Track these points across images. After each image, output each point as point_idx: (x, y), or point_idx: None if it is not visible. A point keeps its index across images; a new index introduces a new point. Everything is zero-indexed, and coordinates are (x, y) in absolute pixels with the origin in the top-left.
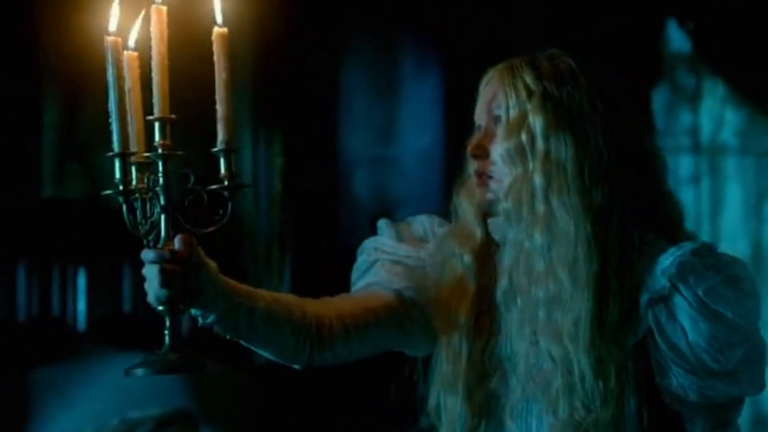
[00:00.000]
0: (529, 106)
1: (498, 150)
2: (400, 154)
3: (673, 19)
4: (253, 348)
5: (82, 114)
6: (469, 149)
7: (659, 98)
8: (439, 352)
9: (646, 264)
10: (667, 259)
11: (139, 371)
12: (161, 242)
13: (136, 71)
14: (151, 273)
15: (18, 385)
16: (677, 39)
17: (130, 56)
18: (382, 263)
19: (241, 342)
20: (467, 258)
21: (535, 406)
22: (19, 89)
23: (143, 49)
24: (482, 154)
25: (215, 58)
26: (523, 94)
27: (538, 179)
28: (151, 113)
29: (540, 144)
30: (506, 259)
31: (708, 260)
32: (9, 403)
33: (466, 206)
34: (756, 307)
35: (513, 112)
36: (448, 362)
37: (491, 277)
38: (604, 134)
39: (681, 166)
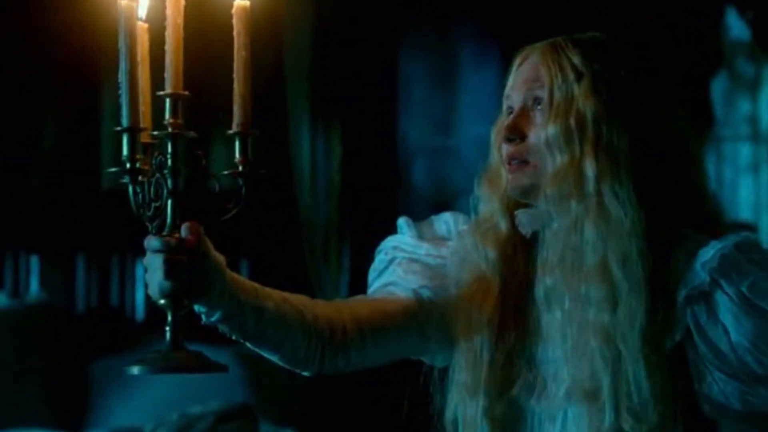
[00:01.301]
0: (577, 89)
1: (540, 134)
2: (460, 143)
3: (732, 7)
4: (261, 352)
5: None
6: (503, 132)
7: (718, 86)
8: (457, 359)
9: (684, 258)
10: (708, 252)
11: (136, 369)
12: (167, 229)
13: (146, 44)
14: (154, 263)
15: (77, 377)
16: (736, 27)
17: (140, 27)
18: (399, 262)
19: (248, 344)
20: (491, 253)
21: (571, 415)
22: (77, 79)
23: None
24: (518, 136)
25: (235, 33)
26: (571, 75)
27: (589, 167)
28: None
29: (590, 130)
30: (549, 253)
31: (753, 255)
32: (68, 394)
33: (489, 197)
34: None
35: (559, 94)
36: (468, 370)
37: (520, 273)
38: (653, 123)
39: (740, 155)
